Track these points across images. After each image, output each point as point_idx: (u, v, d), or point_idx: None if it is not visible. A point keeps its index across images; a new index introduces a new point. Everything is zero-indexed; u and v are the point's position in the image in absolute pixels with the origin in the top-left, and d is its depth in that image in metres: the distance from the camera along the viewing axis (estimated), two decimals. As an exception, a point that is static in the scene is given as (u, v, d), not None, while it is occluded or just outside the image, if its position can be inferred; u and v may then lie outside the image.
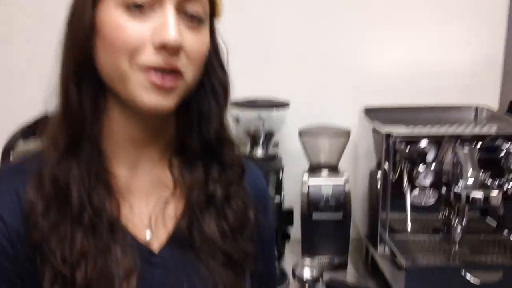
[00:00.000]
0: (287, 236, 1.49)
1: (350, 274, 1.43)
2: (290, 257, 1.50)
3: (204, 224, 0.73)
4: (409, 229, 1.27)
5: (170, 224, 0.74)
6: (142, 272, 0.69)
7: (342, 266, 1.44)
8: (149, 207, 0.74)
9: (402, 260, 1.18)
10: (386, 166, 1.31)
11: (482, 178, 1.23)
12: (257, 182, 0.85)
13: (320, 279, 1.30)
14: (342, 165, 1.49)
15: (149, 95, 0.65)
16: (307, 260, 1.35)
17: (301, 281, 1.31)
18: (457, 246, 1.30)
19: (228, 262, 0.74)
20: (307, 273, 1.31)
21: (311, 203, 1.38)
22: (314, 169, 1.46)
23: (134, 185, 0.73)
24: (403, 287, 1.16)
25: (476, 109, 1.56)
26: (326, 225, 1.41)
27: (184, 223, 0.74)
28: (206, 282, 0.73)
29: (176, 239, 0.74)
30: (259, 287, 0.83)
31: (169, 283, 0.72)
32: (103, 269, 0.66)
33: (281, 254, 1.48)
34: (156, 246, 0.73)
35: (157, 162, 0.75)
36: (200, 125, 0.74)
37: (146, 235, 0.73)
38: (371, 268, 1.43)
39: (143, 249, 0.72)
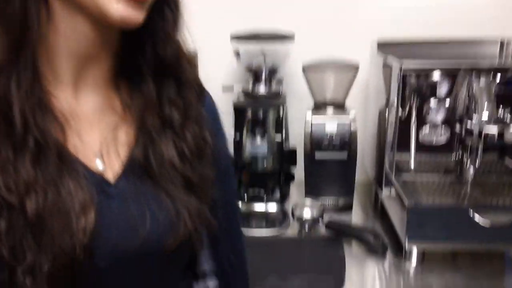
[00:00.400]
0: (290, 177, 1.42)
1: (357, 217, 1.36)
2: (294, 199, 1.44)
3: (161, 148, 0.67)
4: (412, 167, 1.18)
5: (123, 152, 0.68)
6: (99, 205, 0.63)
7: (347, 208, 1.37)
8: (98, 134, 0.67)
9: (405, 200, 1.10)
10: (394, 101, 1.22)
11: (498, 114, 1.13)
12: (210, 103, 0.78)
13: (320, 219, 1.24)
14: (351, 105, 1.39)
15: (119, 6, 0.58)
16: (308, 201, 1.29)
17: (300, 221, 1.26)
18: (468, 187, 1.22)
19: (190, 188, 0.68)
20: (307, 214, 1.25)
21: (314, 142, 1.30)
22: (319, 107, 1.37)
23: (79, 110, 0.66)
24: (405, 228, 1.09)
25: (502, 43, 1.43)
26: (330, 165, 1.33)
27: (139, 150, 0.68)
28: (168, 210, 0.67)
29: (132, 167, 0.68)
30: (221, 218, 0.76)
31: (129, 214, 0.66)
32: (56, 202, 0.60)
33: (284, 195, 1.42)
34: (110, 176, 0.67)
35: (102, 84, 0.68)
36: (154, 42, 0.66)
37: (98, 165, 0.67)
38: (380, 212, 1.36)
39: (97, 180, 0.66)
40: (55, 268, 0.59)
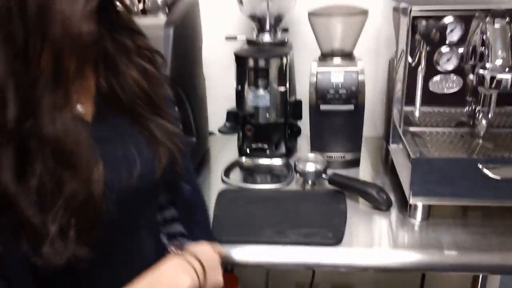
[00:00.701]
0: (296, 131, 1.37)
1: (365, 173, 1.31)
2: (301, 154, 1.39)
3: (124, 73, 0.65)
4: (417, 116, 1.11)
5: (91, 91, 0.67)
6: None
7: (354, 164, 1.32)
8: None
9: (410, 152, 1.04)
10: (404, 49, 1.14)
11: (515, 61, 1.05)
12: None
13: (323, 174, 1.19)
14: (361, 56, 1.31)
15: None
16: (311, 155, 1.24)
17: (303, 175, 1.21)
18: (480, 140, 1.15)
19: (155, 110, 0.72)
20: (310, 168, 1.20)
21: (319, 93, 1.24)
22: (325, 57, 1.31)
23: None
24: (409, 180, 1.03)
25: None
26: (336, 117, 1.27)
27: (102, 81, 0.65)
28: (149, 140, 0.71)
29: (101, 101, 0.66)
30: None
31: (112, 150, 0.67)
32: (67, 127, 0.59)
33: (290, 150, 1.37)
34: (89, 117, 0.68)
35: None
36: None
37: (79, 109, 0.67)
38: (390, 169, 1.30)
39: (84, 124, 0.66)
40: (81, 215, 0.58)
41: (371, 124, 1.45)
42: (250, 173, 1.34)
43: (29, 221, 0.55)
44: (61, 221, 0.56)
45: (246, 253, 1.01)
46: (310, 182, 1.22)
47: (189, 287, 0.69)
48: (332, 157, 1.31)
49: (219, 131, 1.24)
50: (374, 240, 1.04)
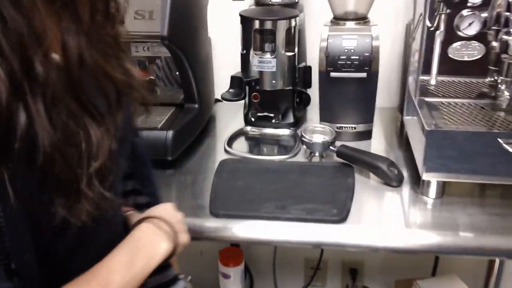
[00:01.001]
0: (305, 100, 1.29)
1: (377, 146, 1.23)
2: (309, 124, 1.31)
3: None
4: (433, 82, 1.03)
5: None
6: None
7: (365, 136, 1.24)
8: None
9: (425, 124, 0.96)
10: (421, 11, 1.05)
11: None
12: None
13: (331, 146, 1.12)
14: (377, 21, 1.22)
15: None
16: (319, 126, 1.16)
17: (309, 147, 1.14)
18: (502, 113, 1.06)
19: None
20: (317, 139, 1.13)
21: (330, 58, 1.16)
22: (338, 20, 1.21)
23: None
24: (423, 154, 0.95)
25: None
26: (347, 86, 1.19)
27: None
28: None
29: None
30: None
31: None
32: None
33: (299, 120, 1.30)
34: None
35: None
36: None
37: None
38: (405, 143, 1.22)
39: None
40: None
41: (385, 94, 1.37)
42: (255, 143, 1.27)
43: (63, 172, 0.52)
44: (89, 169, 0.54)
45: (245, 228, 0.95)
46: (317, 154, 1.15)
47: (166, 251, 0.70)
48: (342, 128, 1.23)
49: (222, 98, 1.17)
50: (383, 218, 0.96)
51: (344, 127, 1.23)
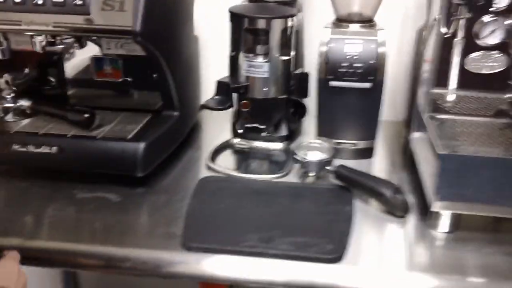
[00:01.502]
0: (301, 110, 1.15)
1: (379, 166, 1.09)
2: (305, 139, 1.17)
3: None
4: (448, 99, 0.88)
5: None
6: None
7: (367, 154, 1.10)
8: None
9: (437, 146, 0.82)
10: (436, 16, 0.91)
11: None
12: None
13: (327, 166, 0.98)
14: (384, 24, 1.07)
15: None
16: (315, 141, 1.02)
17: (303, 165, 0.99)
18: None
19: None
20: (312, 157, 0.99)
21: (330, 65, 1.01)
22: (341, 22, 1.07)
23: None
24: (435, 182, 0.81)
25: None
26: (348, 96, 1.04)
27: None
28: None
29: None
30: None
31: None
32: None
33: (293, 133, 1.15)
34: None
35: None
36: None
37: None
38: (410, 164, 1.08)
39: None
40: None
41: (391, 107, 1.23)
42: (242, 158, 1.12)
43: None
44: None
45: (222, 265, 0.80)
46: (312, 174, 1.01)
47: None
48: (341, 144, 1.09)
49: (204, 106, 1.02)
50: (385, 257, 0.82)
51: (344, 143, 1.09)
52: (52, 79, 1.16)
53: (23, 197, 0.97)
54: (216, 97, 1.03)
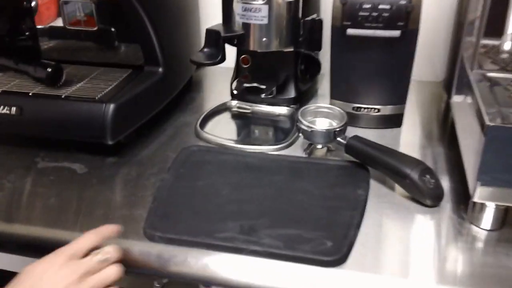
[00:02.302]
0: (313, 67, 0.93)
1: (410, 136, 0.87)
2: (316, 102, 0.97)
3: None
4: (503, 54, 0.66)
5: None
6: None
7: (393, 122, 0.88)
8: None
9: (484, 114, 0.60)
10: None
11: None
12: None
13: (338, 137, 0.77)
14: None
15: None
16: (324, 106, 0.82)
17: (307, 136, 0.79)
18: None
19: None
20: (319, 125, 0.79)
21: (348, 8, 0.79)
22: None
23: None
24: (478, 162, 0.59)
25: None
26: (371, 48, 0.82)
27: None
28: None
29: None
30: None
31: None
32: None
33: (302, 95, 0.94)
34: None
35: None
36: None
37: None
38: (449, 137, 0.85)
39: None
40: None
41: (425, 62, 1.00)
42: (239, 125, 0.93)
43: None
44: None
45: (190, 261, 0.62)
46: (319, 146, 0.80)
47: None
48: (361, 109, 0.87)
49: (191, 60, 0.83)
50: (404, 262, 0.61)
51: (364, 108, 0.87)
52: (24, 31, 0.99)
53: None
54: (206, 49, 0.83)
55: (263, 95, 0.90)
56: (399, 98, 0.86)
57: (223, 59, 0.83)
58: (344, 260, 0.59)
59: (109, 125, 0.78)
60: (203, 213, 0.67)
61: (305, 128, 0.77)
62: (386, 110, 0.87)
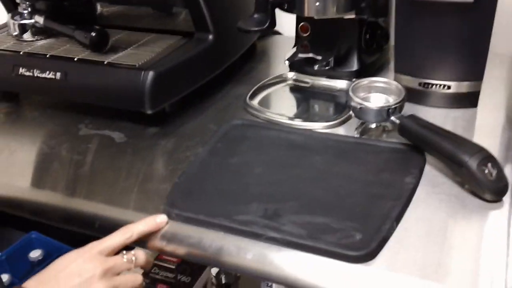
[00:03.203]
0: (380, 36, 0.83)
1: (487, 119, 0.75)
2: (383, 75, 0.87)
3: None
4: None
5: None
6: None
7: (467, 101, 0.76)
8: None
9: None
10: None
11: None
12: None
13: (393, 116, 0.68)
14: None
15: None
16: (379, 81, 0.73)
17: (358, 114, 0.71)
18: None
19: None
20: (373, 102, 0.70)
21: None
22: None
23: None
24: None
25: None
26: (441, 17, 0.71)
27: None
28: None
29: None
30: None
31: None
32: None
33: (366, 68, 0.85)
34: None
35: None
36: None
37: None
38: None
39: None
40: None
41: (507, 33, 0.85)
42: (292, 99, 0.86)
43: None
44: None
45: (204, 243, 0.56)
46: (372, 126, 0.71)
47: None
48: (428, 86, 0.76)
49: (238, 28, 0.77)
50: (447, 265, 0.51)
51: (433, 84, 0.76)
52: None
53: (28, 128, 0.82)
54: (255, 15, 0.77)
55: (316, 67, 0.81)
56: (475, 73, 0.74)
57: (272, 25, 0.76)
58: (372, 257, 0.51)
59: (148, 94, 0.74)
60: (229, 192, 0.61)
61: (355, 104, 0.68)
62: (459, 87, 0.75)
